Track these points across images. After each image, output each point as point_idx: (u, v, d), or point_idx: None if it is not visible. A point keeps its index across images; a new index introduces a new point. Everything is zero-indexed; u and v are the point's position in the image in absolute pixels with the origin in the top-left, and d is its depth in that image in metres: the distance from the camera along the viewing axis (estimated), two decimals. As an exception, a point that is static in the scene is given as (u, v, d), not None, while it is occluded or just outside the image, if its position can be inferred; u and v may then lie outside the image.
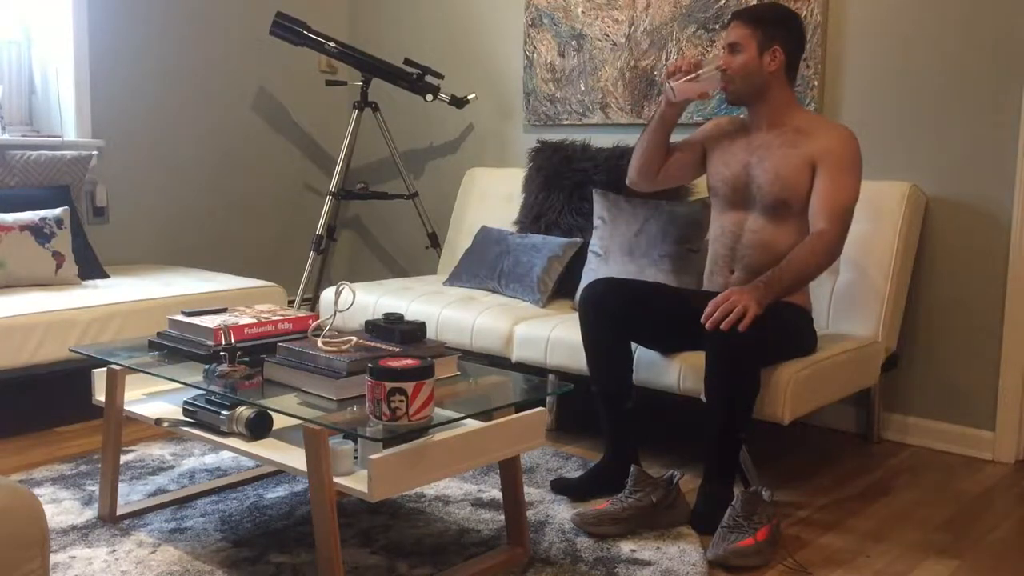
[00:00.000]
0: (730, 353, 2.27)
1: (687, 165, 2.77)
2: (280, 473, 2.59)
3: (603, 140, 3.62)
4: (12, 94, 3.84)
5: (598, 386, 2.53)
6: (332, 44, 3.98)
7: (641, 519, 2.29)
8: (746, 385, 2.31)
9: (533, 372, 2.53)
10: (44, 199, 3.48)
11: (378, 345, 2.08)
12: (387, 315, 2.17)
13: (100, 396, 2.31)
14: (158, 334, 2.32)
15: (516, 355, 2.97)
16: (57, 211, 3.38)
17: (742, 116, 2.73)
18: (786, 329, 2.48)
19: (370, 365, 1.75)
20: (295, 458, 1.89)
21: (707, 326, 2.27)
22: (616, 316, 2.48)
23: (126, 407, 2.26)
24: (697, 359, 2.53)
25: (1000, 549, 2.26)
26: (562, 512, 2.38)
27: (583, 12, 3.75)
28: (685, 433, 3.05)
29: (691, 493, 2.40)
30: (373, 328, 2.18)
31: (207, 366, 2.10)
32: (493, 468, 2.63)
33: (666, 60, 3.53)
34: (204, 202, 4.27)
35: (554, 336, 2.89)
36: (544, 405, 2.20)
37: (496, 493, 2.49)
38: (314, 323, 2.20)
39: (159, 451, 2.82)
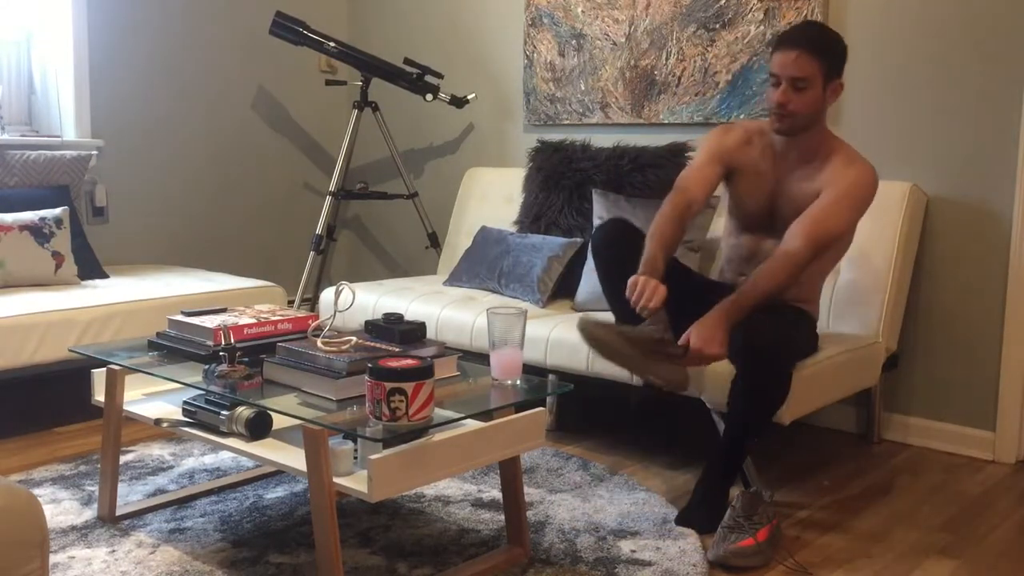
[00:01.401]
0: (766, 363, 2.24)
1: (713, 186, 2.55)
2: (280, 473, 2.59)
3: (603, 140, 3.62)
4: (12, 94, 3.84)
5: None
6: (332, 44, 3.98)
7: (642, 349, 2.25)
8: (778, 396, 2.30)
9: (533, 372, 2.53)
10: (43, 199, 3.47)
11: (378, 345, 2.07)
12: (387, 315, 2.17)
13: (100, 396, 2.31)
14: (158, 334, 2.32)
15: (516, 355, 2.97)
16: (56, 211, 3.38)
17: (754, 127, 2.58)
18: (800, 333, 2.48)
19: (370, 365, 1.75)
20: (295, 458, 1.88)
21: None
22: (629, 253, 2.40)
23: (126, 407, 2.26)
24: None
25: (1000, 549, 2.26)
26: (562, 512, 2.38)
27: (583, 12, 3.75)
28: (682, 432, 3.05)
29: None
30: (373, 328, 2.18)
31: (207, 366, 2.10)
32: (493, 468, 2.63)
33: (666, 60, 3.52)
34: (204, 202, 4.27)
35: (554, 336, 2.89)
36: (544, 405, 2.20)
37: (496, 493, 2.49)
38: (314, 323, 2.20)
39: (159, 451, 2.81)
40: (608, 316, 2.48)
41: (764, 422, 2.33)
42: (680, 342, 2.27)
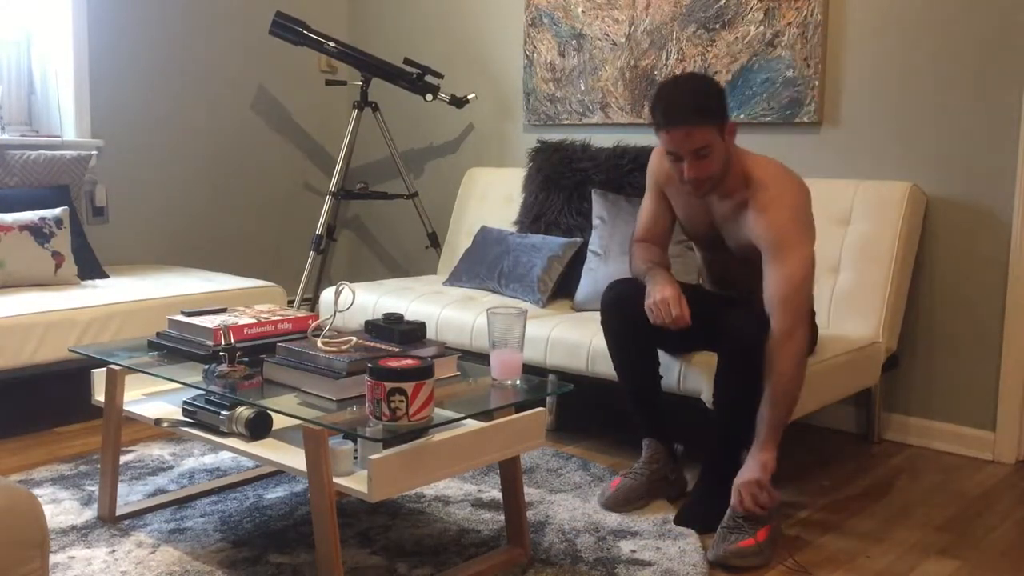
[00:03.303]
0: (746, 355, 2.24)
1: (667, 219, 2.56)
2: (280, 473, 2.59)
3: (603, 140, 3.62)
4: (12, 94, 3.84)
5: (630, 385, 2.50)
6: (332, 44, 3.98)
7: (657, 490, 2.44)
8: (760, 386, 2.28)
9: (533, 372, 2.53)
10: (44, 199, 3.47)
11: (378, 345, 2.07)
12: (387, 315, 2.17)
13: (100, 396, 2.31)
14: (158, 334, 2.32)
15: (516, 355, 2.96)
16: (56, 211, 3.38)
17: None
18: None
19: (370, 365, 1.75)
20: (295, 458, 1.88)
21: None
22: (637, 321, 2.41)
23: (126, 407, 2.26)
24: (698, 359, 2.53)
25: (1000, 549, 2.26)
26: (562, 512, 2.38)
27: (583, 12, 3.75)
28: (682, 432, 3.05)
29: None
30: (373, 328, 2.18)
31: (206, 366, 2.10)
32: (493, 468, 2.63)
33: (666, 60, 3.52)
34: (204, 202, 4.27)
35: (554, 336, 2.89)
36: (544, 405, 2.20)
37: (496, 493, 2.49)
38: (314, 323, 2.20)
39: (159, 451, 2.81)
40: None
41: (750, 414, 2.32)
42: (733, 503, 2.20)
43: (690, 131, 2.23)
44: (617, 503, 2.41)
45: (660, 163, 2.52)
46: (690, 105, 2.24)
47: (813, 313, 2.60)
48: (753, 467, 2.19)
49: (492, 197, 3.90)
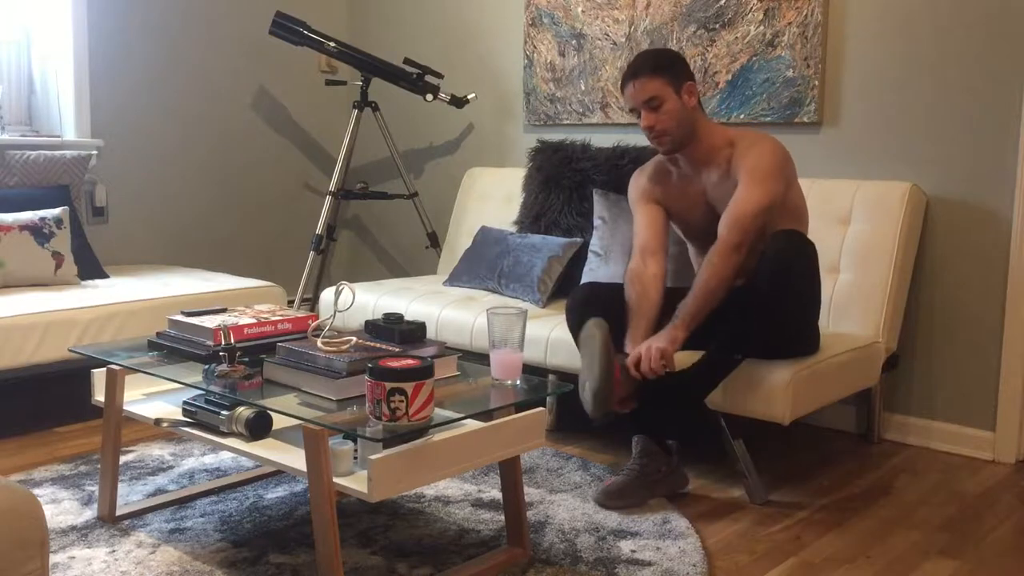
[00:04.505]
0: (785, 268, 2.33)
1: (664, 228, 2.67)
2: (280, 473, 2.59)
3: (603, 140, 3.62)
4: (12, 94, 3.84)
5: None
6: (332, 44, 3.98)
7: (654, 486, 2.46)
8: (783, 308, 2.37)
9: (533, 372, 2.53)
10: (44, 199, 3.48)
11: (378, 345, 2.07)
12: (387, 315, 2.17)
13: (100, 396, 2.31)
14: (158, 334, 2.32)
15: (516, 355, 2.96)
16: (56, 211, 3.38)
17: (659, 159, 2.68)
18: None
19: (370, 365, 1.75)
20: (295, 458, 1.89)
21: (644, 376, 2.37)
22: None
23: (126, 407, 2.26)
24: (693, 359, 2.53)
25: (1000, 549, 2.26)
26: (562, 512, 2.38)
27: (583, 12, 3.75)
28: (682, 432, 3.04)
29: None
30: (373, 328, 2.18)
31: (206, 366, 2.10)
32: (493, 468, 2.63)
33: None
34: (204, 202, 4.27)
35: (554, 336, 2.89)
36: (544, 405, 2.20)
37: (496, 493, 2.49)
38: (314, 323, 2.20)
39: (159, 451, 2.82)
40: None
41: (759, 332, 2.38)
42: (630, 354, 2.37)
43: (640, 82, 2.49)
44: (609, 496, 2.42)
45: (639, 179, 2.70)
46: (644, 63, 2.52)
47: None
48: (665, 337, 2.36)
49: (492, 197, 3.90)
